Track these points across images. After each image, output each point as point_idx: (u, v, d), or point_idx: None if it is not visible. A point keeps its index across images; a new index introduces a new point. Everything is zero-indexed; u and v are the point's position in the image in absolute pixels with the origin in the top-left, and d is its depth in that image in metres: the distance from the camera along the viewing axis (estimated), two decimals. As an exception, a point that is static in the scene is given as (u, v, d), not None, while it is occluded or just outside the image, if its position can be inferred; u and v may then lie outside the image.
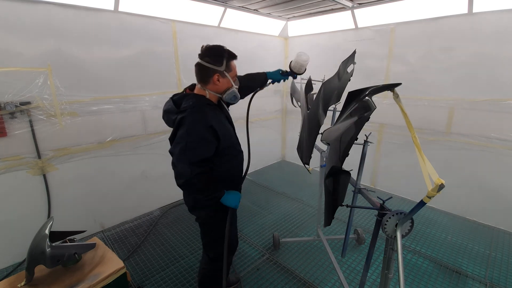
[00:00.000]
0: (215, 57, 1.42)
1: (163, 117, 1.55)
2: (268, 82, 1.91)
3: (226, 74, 1.45)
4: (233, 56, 1.47)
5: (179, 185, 1.35)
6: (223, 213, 1.57)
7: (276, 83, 1.93)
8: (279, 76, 1.90)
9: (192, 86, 1.57)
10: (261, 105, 4.37)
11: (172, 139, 1.44)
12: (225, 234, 1.57)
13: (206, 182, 1.38)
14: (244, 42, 3.90)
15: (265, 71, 1.91)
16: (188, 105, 1.38)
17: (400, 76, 3.31)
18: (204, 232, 1.70)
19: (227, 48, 1.47)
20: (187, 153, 1.31)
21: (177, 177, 1.34)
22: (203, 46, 1.45)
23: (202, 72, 1.44)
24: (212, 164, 1.44)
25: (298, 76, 1.92)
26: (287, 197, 3.65)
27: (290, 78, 1.93)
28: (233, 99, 1.52)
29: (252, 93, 1.86)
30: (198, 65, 1.45)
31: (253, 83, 1.84)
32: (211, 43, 1.45)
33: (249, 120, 1.87)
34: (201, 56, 1.44)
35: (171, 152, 1.37)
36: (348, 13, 3.51)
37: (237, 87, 1.53)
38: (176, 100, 1.47)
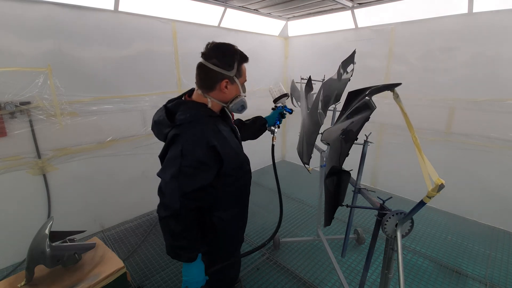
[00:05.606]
0: (225, 59, 1.15)
1: (152, 129, 1.27)
2: (273, 130, 1.73)
3: (236, 80, 1.20)
4: (245, 59, 1.23)
5: (162, 216, 1.09)
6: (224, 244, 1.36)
7: (278, 123, 1.75)
8: (274, 116, 1.71)
9: (191, 92, 1.29)
10: (261, 105, 4.35)
11: (162, 157, 1.17)
12: (228, 263, 1.38)
13: (190, 225, 1.12)
14: (244, 42, 3.89)
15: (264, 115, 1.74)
16: (184, 118, 1.12)
17: (400, 76, 3.31)
18: None
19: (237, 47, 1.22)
20: (181, 180, 1.06)
21: (162, 207, 1.08)
22: (208, 43, 1.18)
23: (207, 77, 1.17)
24: (207, 192, 1.17)
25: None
26: (287, 197, 3.64)
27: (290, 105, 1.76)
28: (240, 109, 1.26)
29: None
30: (201, 67, 1.17)
31: (254, 127, 1.70)
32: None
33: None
34: (206, 56, 1.16)
35: (159, 175, 1.12)
36: (348, 13, 3.51)
37: (245, 95, 1.28)
38: (170, 108, 1.21)
